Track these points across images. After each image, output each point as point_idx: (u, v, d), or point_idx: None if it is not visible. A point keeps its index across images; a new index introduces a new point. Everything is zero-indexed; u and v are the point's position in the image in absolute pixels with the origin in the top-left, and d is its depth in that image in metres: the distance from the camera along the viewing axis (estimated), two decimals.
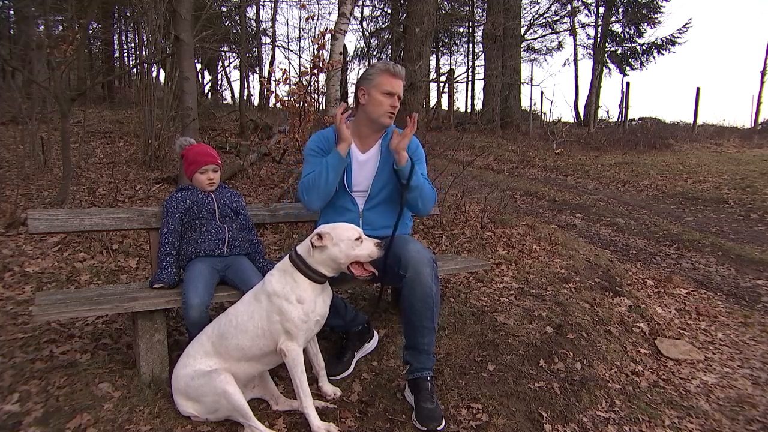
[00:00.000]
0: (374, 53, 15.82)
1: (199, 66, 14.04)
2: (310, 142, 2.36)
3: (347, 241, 1.85)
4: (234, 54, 14.14)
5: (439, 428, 1.89)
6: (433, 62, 19.25)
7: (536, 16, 18.60)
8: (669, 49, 18.05)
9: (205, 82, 15.08)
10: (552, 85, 50.53)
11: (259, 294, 1.90)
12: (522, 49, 17.21)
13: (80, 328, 2.62)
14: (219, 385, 1.78)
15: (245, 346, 1.85)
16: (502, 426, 1.95)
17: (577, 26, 19.41)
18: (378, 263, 1.96)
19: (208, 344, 1.90)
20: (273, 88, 3.91)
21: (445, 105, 16.16)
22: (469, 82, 18.30)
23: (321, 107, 5.11)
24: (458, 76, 18.76)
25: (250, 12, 13.67)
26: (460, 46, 20.84)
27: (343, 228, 1.89)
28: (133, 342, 2.24)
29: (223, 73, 17.39)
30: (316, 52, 3.79)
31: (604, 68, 18.90)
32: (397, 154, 2.15)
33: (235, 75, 25.01)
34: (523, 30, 17.11)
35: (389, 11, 16.01)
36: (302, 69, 4.63)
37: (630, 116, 16.02)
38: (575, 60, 20.48)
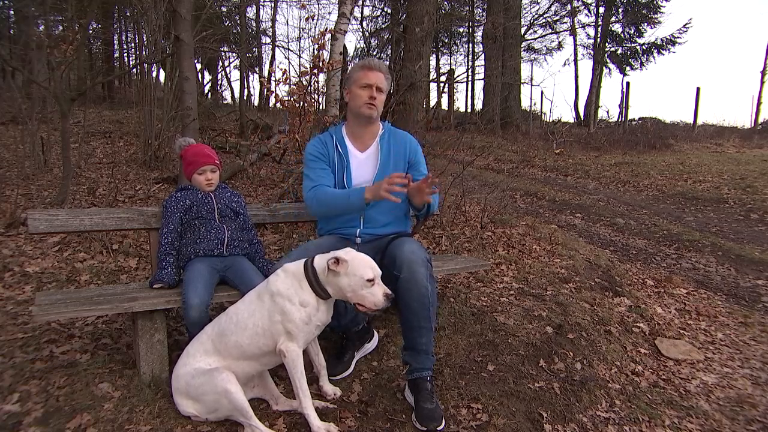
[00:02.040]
0: (374, 53, 15.80)
1: (199, 66, 14.05)
2: (309, 147, 2.41)
3: (359, 279, 1.81)
4: (234, 54, 14.15)
5: (439, 428, 1.89)
6: (433, 62, 19.27)
7: (536, 16, 18.63)
8: (669, 49, 18.08)
9: (205, 82, 15.10)
10: (552, 85, 50.52)
11: (263, 293, 1.90)
12: (522, 49, 17.21)
13: (80, 328, 2.62)
14: (220, 383, 1.78)
15: (244, 344, 1.85)
16: (502, 426, 1.95)
17: (577, 26, 19.44)
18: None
19: (208, 342, 1.90)
20: (273, 88, 3.91)
21: (445, 105, 16.20)
22: (469, 82, 18.34)
23: (321, 107, 5.11)
24: (458, 76, 18.78)
25: (250, 12, 13.71)
26: (460, 46, 20.87)
27: (362, 263, 1.84)
28: (133, 342, 2.24)
29: (223, 73, 17.42)
30: (316, 52, 3.78)
31: (604, 68, 18.91)
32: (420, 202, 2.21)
33: (235, 75, 25.06)
34: (523, 30, 17.12)
35: (389, 11, 15.98)
36: (302, 69, 4.64)
37: (630, 116, 16.03)
38: (575, 60, 20.52)
